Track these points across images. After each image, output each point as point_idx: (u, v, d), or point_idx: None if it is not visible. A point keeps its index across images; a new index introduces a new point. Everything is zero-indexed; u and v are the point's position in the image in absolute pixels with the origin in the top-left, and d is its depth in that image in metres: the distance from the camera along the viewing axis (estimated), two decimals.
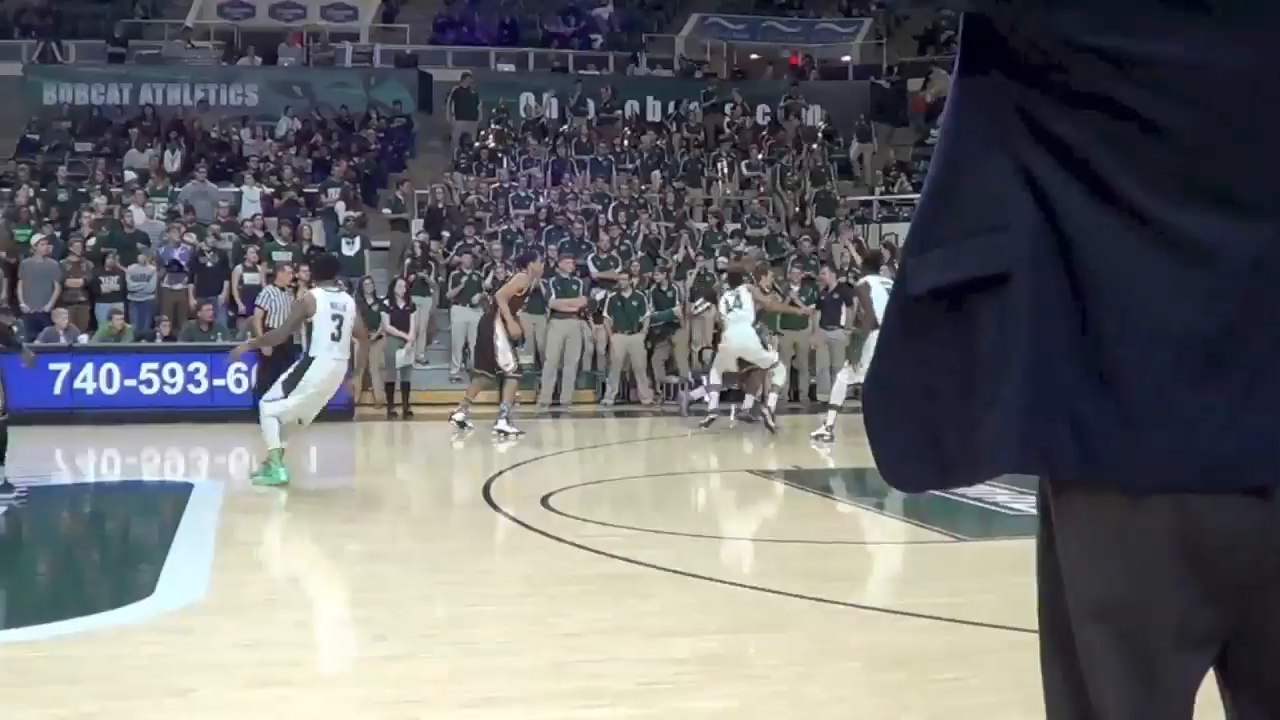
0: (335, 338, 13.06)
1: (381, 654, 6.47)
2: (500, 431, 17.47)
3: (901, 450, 2.07)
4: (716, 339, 23.38)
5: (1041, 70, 1.92)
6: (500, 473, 14.04)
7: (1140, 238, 1.87)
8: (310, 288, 14.09)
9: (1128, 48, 1.85)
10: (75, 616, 7.52)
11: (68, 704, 5.61)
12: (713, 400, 19.46)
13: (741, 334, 18.40)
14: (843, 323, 23.08)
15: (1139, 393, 1.85)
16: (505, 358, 17.75)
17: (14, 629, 7.24)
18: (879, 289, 15.97)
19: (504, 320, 17.92)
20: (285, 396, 13.02)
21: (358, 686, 5.92)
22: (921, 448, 2.03)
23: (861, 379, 16.17)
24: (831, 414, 17.16)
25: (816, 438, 17.17)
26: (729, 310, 18.44)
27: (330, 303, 13.12)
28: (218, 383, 20.24)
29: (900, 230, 27.13)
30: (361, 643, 6.62)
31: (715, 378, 19.21)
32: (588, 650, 6.49)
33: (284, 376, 13.19)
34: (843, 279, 24.19)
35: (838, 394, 17.21)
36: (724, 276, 20.66)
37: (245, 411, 17.26)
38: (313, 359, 13.02)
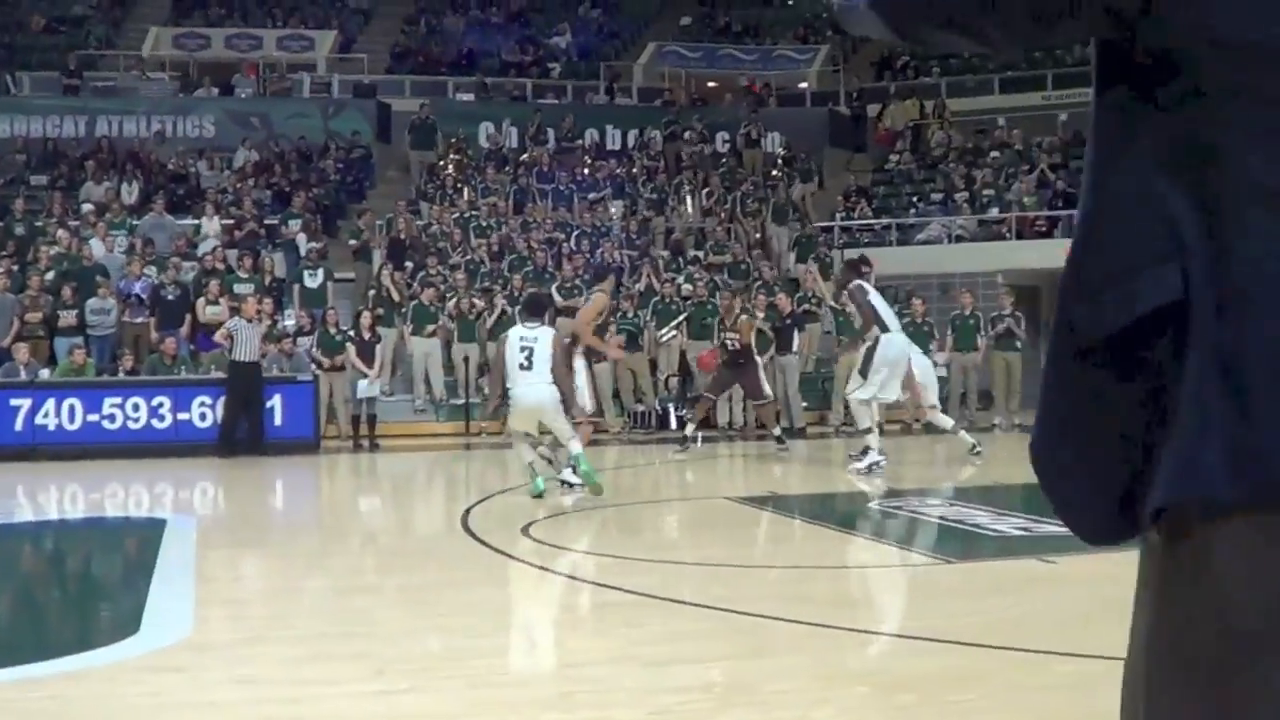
0: (525, 368, 13.69)
1: (381, 689, 6.34)
2: (566, 483, 14.58)
3: (1096, 503, 1.95)
4: (684, 367, 23.43)
5: (1180, 79, 1.84)
6: (476, 503, 13.92)
7: None
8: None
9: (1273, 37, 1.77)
10: (62, 656, 7.37)
11: None
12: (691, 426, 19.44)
13: None
14: (795, 349, 23.12)
15: None
16: (583, 398, 15.00)
17: (2, 669, 7.08)
18: (874, 292, 15.96)
19: (590, 351, 15.99)
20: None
21: None
22: (1115, 499, 1.92)
23: (875, 392, 16.13)
24: (871, 438, 16.46)
25: (871, 467, 16.27)
26: None
27: (520, 336, 13.90)
28: (182, 416, 20.05)
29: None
30: (359, 678, 6.48)
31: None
32: (591, 680, 6.39)
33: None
34: (806, 305, 24.24)
35: (863, 416, 16.43)
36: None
37: (209, 445, 17.15)
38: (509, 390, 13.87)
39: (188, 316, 22.69)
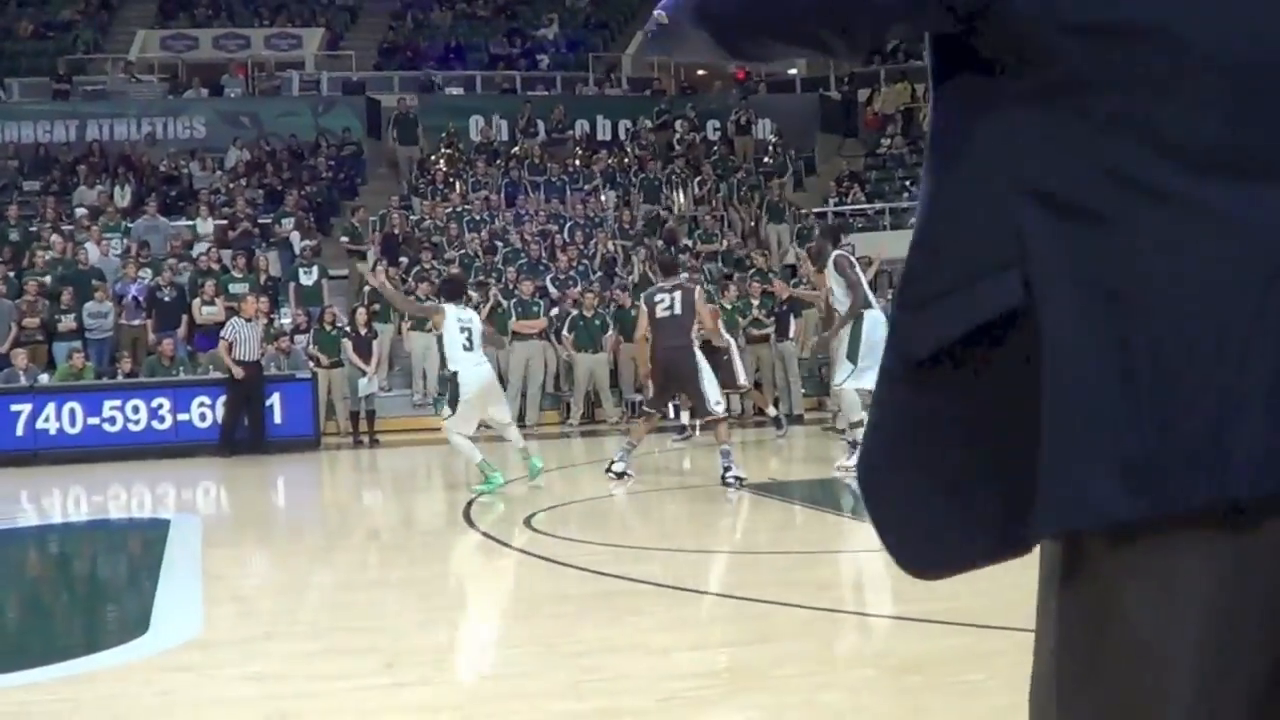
0: (467, 349, 14.16)
1: (392, 682, 6.37)
2: (737, 479, 14.12)
3: (929, 529, 1.86)
4: None
5: (1028, 70, 1.75)
6: (476, 496, 13.95)
7: (1181, 225, 1.67)
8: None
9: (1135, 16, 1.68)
10: (72, 658, 7.40)
11: None
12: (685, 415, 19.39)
13: None
14: (791, 335, 23.10)
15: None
16: (716, 394, 14.80)
17: (13, 673, 7.10)
18: (857, 264, 15.39)
19: (716, 343, 16.41)
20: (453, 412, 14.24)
21: (373, 716, 5.82)
22: (954, 525, 1.83)
23: (864, 382, 15.09)
24: (859, 432, 15.12)
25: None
26: None
27: (458, 317, 14.32)
28: (182, 418, 20.08)
29: (855, 240, 27.20)
30: (370, 672, 6.51)
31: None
32: (599, 669, 6.42)
33: (447, 396, 14.49)
34: (801, 283, 24.23)
35: (853, 407, 15.07)
36: None
37: (210, 445, 17.19)
38: (456, 373, 14.19)
39: (184, 317, 22.70)
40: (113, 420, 19.96)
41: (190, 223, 27.35)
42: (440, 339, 14.70)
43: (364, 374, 21.48)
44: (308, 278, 24.33)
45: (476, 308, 22.66)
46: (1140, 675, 1.72)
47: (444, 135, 32.12)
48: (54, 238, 25.45)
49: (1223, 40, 1.67)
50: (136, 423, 20.01)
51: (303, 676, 6.56)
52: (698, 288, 15.33)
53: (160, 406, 20.10)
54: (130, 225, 26.97)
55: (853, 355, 14.89)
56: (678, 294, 14.49)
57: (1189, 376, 1.65)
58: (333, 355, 21.53)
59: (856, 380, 14.70)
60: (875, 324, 14.64)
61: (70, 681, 6.71)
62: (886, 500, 1.89)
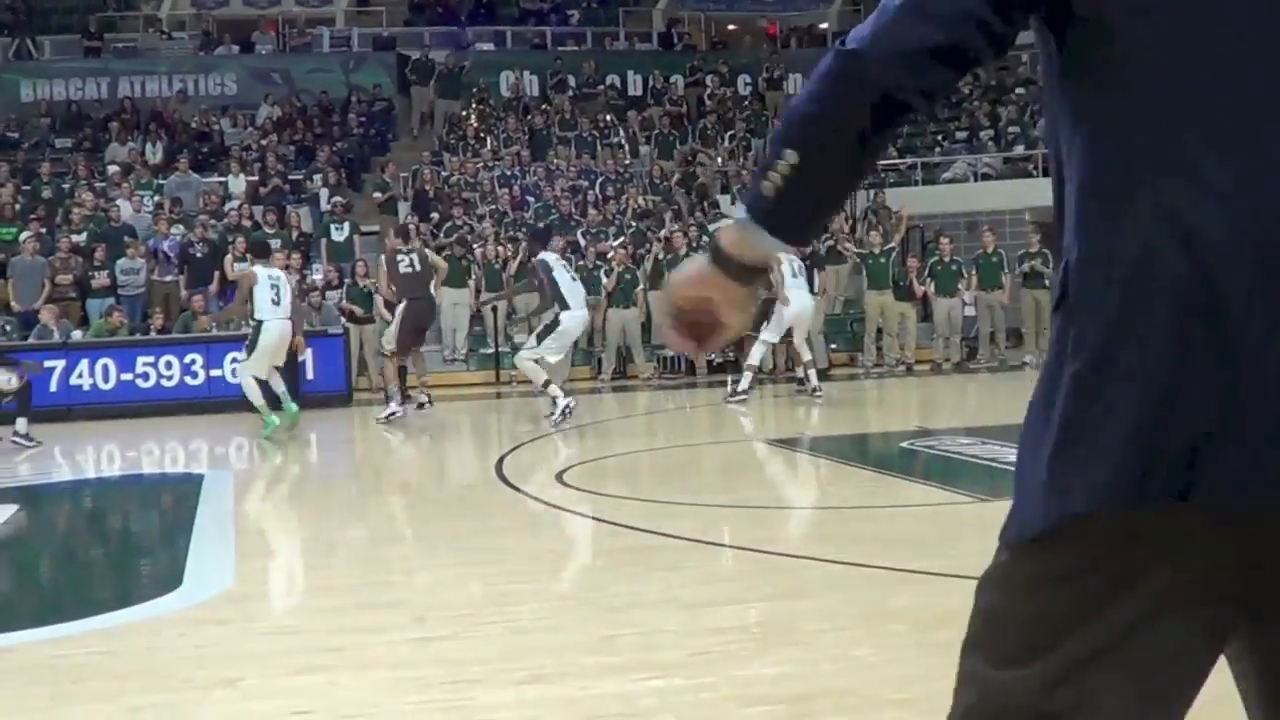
0: (275, 303, 16.08)
1: (423, 635, 6.39)
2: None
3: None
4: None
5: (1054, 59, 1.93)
6: (509, 451, 13.97)
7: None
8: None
9: None
10: (108, 611, 7.45)
11: (115, 699, 5.54)
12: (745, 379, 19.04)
13: (804, 302, 18.47)
14: (815, 290, 23.07)
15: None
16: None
17: (49, 626, 7.15)
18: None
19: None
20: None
21: (406, 669, 5.84)
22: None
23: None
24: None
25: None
26: (794, 276, 18.29)
27: (268, 275, 16.27)
28: (214, 373, 20.08)
29: (887, 195, 27.15)
30: (401, 625, 6.54)
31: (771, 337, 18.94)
32: (632, 623, 6.43)
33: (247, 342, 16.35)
34: (831, 243, 24.17)
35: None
36: None
37: (243, 401, 17.21)
38: (262, 323, 16.01)
39: (216, 273, 22.74)
40: (146, 376, 20.01)
41: (222, 179, 27.41)
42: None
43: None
44: (339, 234, 24.35)
45: (505, 265, 22.73)
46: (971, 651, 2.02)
47: (475, 90, 32.07)
48: (86, 195, 25.53)
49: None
50: (170, 378, 20.05)
51: (334, 630, 6.58)
52: None
53: (193, 362, 20.12)
54: (162, 182, 27.03)
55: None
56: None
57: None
58: (365, 310, 21.56)
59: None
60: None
61: (106, 634, 6.76)
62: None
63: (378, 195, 27.21)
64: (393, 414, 17.24)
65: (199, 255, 22.99)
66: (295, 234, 24.34)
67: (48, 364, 19.55)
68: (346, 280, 22.35)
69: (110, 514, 12.64)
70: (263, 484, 13.68)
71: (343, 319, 21.38)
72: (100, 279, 22.49)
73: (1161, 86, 1.81)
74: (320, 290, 22.01)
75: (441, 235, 24.30)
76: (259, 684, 5.73)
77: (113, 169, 27.62)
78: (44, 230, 23.96)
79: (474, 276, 23.20)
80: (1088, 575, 1.88)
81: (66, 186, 26.68)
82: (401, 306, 17.65)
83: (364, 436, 17.88)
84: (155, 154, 28.93)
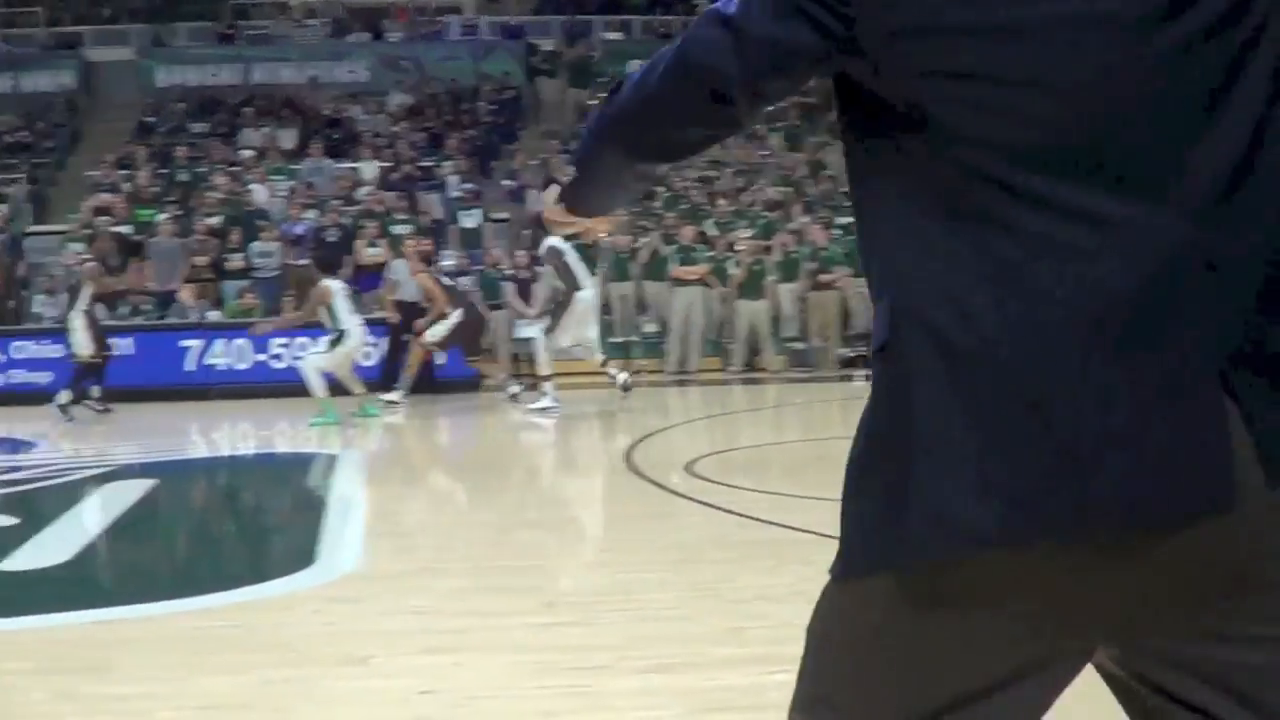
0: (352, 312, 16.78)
1: (550, 621, 6.41)
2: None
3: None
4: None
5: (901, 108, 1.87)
6: (638, 441, 13.99)
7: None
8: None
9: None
10: (242, 586, 7.56)
11: (247, 672, 5.62)
12: None
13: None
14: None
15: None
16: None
17: (187, 598, 7.28)
18: None
19: None
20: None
21: (532, 653, 5.85)
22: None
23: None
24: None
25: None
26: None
27: (340, 286, 17.05)
28: None
29: None
30: (528, 610, 6.56)
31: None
32: (760, 616, 6.39)
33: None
34: None
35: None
36: None
37: (373, 383, 17.41)
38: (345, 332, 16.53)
39: (347, 258, 22.94)
40: (279, 357, 20.23)
41: (354, 165, 27.63)
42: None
43: (524, 317, 21.54)
44: (469, 221, 24.50)
45: (634, 255, 22.78)
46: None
47: (603, 80, 32.09)
48: (221, 179, 25.90)
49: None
50: (302, 359, 20.25)
51: (462, 612, 6.62)
52: None
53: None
54: (295, 167, 27.34)
55: None
56: None
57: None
58: (494, 298, 21.64)
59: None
60: None
61: (240, 609, 6.87)
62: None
63: (507, 183, 27.32)
64: (514, 393, 17.68)
65: (331, 239, 23.21)
66: (426, 220, 24.50)
67: (184, 343, 19.91)
68: (477, 267, 22.45)
69: (245, 491, 12.84)
70: (394, 465, 13.81)
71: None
72: (235, 261, 22.81)
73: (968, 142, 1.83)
74: (452, 277, 22.11)
75: None
76: (386, 662, 5.78)
77: (246, 153, 27.94)
78: (180, 213, 24.35)
79: (601, 267, 23.21)
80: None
81: (202, 170, 27.06)
82: (458, 314, 18.21)
83: (493, 422, 17.98)
84: (288, 139, 29.25)
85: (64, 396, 18.17)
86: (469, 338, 18.52)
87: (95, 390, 18.44)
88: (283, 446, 15.33)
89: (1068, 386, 1.76)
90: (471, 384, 20.17)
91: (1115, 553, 1.79)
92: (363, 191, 25.83)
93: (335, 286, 16.93)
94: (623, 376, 17.41)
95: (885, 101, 1.88)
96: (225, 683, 5.48)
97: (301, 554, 8.39)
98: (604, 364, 17.74)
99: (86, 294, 18.41)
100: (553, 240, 16.90)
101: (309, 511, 10.35)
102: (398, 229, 23.20)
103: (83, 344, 18.19)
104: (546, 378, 17.32)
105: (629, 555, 8.07)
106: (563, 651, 5.86)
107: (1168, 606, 1.82)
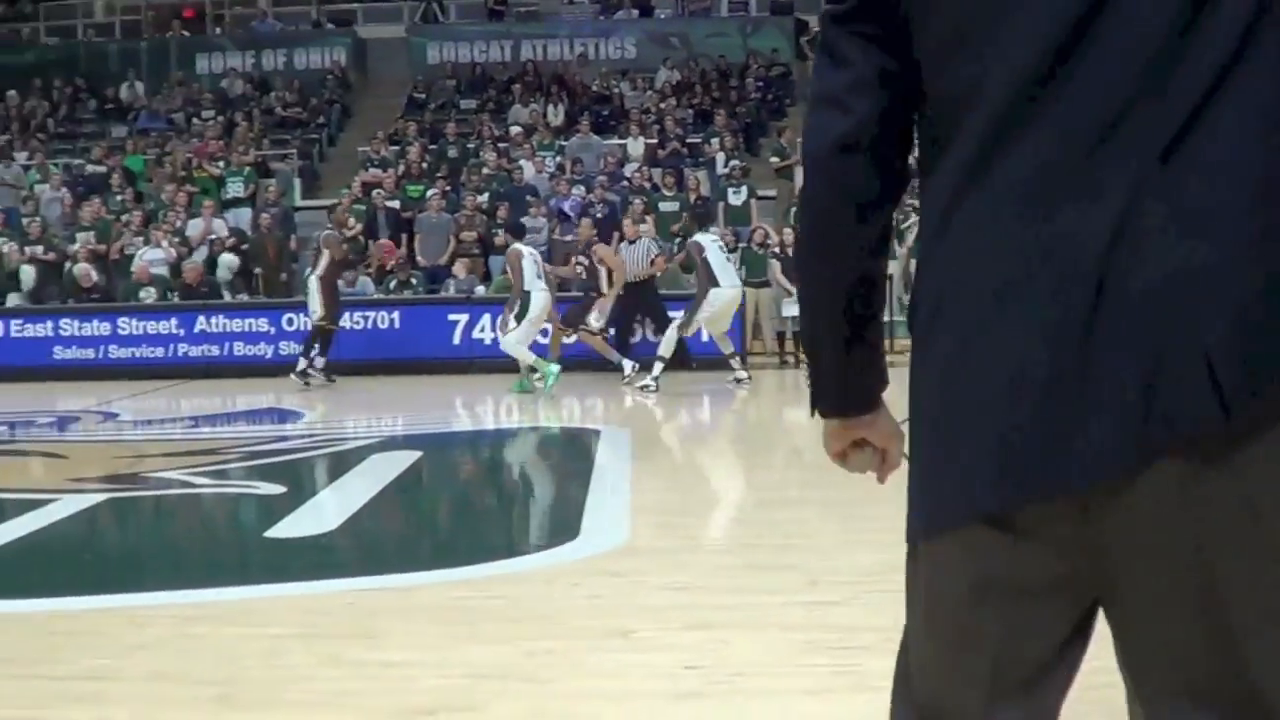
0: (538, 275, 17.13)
1: (814, 599, 6.34)
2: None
3: None
4: None
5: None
6: (903, 420, 13.78)
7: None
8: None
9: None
10: (507, 558, 7.64)
11: (511, 642, 5.66)
12: None
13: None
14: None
15: None
16: None
17: (451, 569, 7.39)
18: None
19: None
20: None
21: (797, 631, 5.80)
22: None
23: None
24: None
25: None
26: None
27: (528, 250, 17.49)
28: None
29: None
30: (792, 588, 6.50)
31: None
32: None
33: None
34: None
35: None
36: None
37: (645, 359, 17.49)
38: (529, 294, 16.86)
39: (615, 234, 23.06)
40: (545, 332, 20.39)
41: (621, 142, 27.80)
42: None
43: (790, 295, 21.42)
44: (736, 198, 24.46)
45: (902, 234, 22.49)
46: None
47: None
48: (490, 155, 26.30)
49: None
50: (501, 340, 20.35)
51: (725, 589, 6.59)
52: None
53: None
54: (563, 143, 27.61)
55: None
56: None
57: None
58: (760, 275, 21.58)
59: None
60: None
61: (504, 580, 6.94)
62: None
63: (775, 160, 27.21)
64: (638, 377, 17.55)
65: (599, 215, 23.36)
66: (693, 197, 24.52)
67: (451, 317, 20.26)
68: (742, 244, 22.39)
69: (508, 464, 12.99)
70: (658, 441, 13.85)
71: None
72: (503, 237, 23.06)
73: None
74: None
75: None
76: (651, 637, 5.78)
77: (515, 130, 28.31)
78: (449, 188, 24.76)
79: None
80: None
81: (471, 146, 27.49)
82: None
83: (756, 400, 17.92)
84: (556, 116, 29.55)
85: (301, 364, 18.85)
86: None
87: (319, 360, 18.92)
88: (545, 421, 15.48)
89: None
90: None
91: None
92: (630, 168, 25.99)
93: (525, 251, 17.26)
94: (740, 375, 17.82)
95: None
96: (488, 652, 5.54)
97: (565, 528, 8.46)
98: (730, 356, 17.99)
99: (324, 261, 18.93)
100: (700, 236, 17.87)
101: (572, 486, 10.43)
102: (665, 205, 23.31)
103: (315, 308, 18.80)
104: (736, 354, 17.97)
105: (893, 535, 7.85)
106: (828, 630, 5.81)
107: None
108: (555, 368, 16.96)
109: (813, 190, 2.14)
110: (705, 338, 18.55)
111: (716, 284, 17.29)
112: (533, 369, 17.04)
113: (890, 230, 2.17)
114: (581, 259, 18.88)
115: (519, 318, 16.92)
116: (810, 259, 2.19)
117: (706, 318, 17.48)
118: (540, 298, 17.02)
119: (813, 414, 2.36)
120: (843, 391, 2.31)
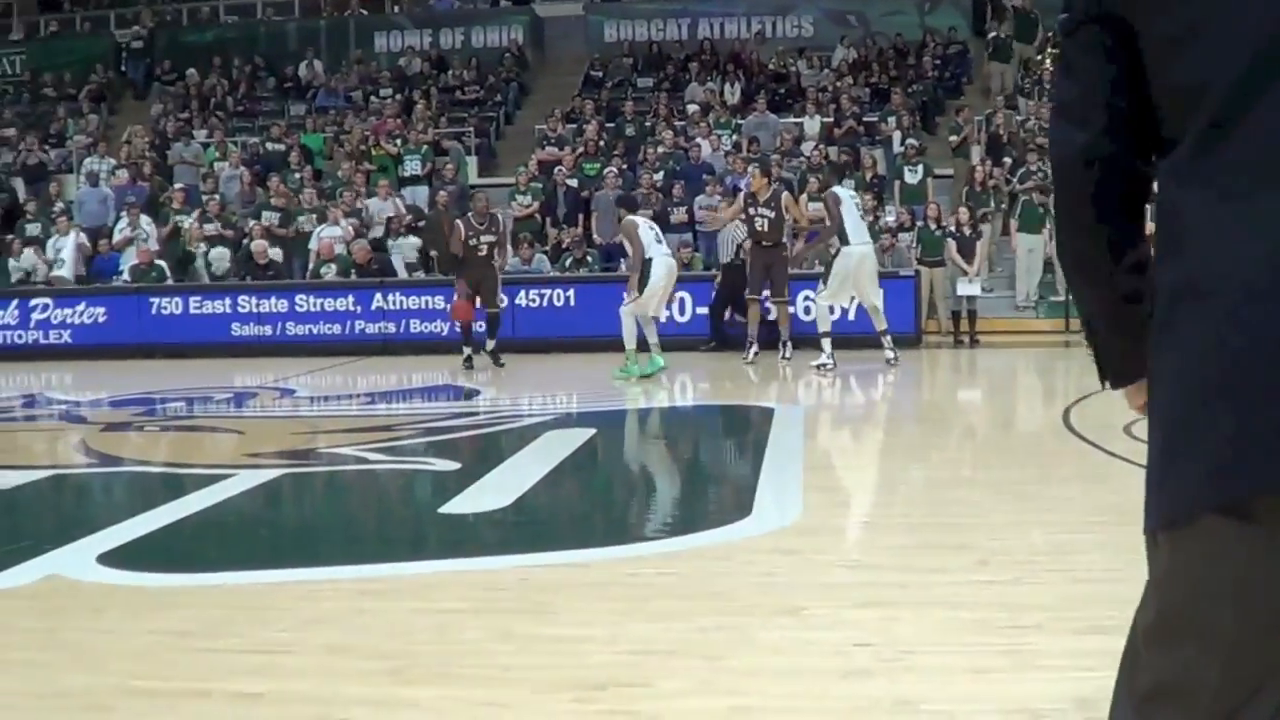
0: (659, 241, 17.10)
1: (985, 579, 6.37)
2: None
3: None
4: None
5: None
6: (1075, 402, 13.69)
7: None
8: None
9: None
10: (679, 535, 7.74)
11: (682, 618, 5.74)
12: None
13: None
14: None
15: None
16: None
17: (624, 545, 7.50)
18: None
19: None
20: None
21: (967, 610, 5.83)
22: None
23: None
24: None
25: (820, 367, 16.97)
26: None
27: (644, 222, 17.32)
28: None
29: None
30: (964, 567, 6.53)
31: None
32: None
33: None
34: None
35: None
36: None
37: (810, 338, 17.49)
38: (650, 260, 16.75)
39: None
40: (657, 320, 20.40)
41: (798, 120, 27.77)
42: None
43: (965, 274, 21.31)
44: (913, 176, 24.33)
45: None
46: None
47: (1051, 33, 31.35)
48: (666, 133, 26.41)
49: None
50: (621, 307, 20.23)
51: (897, 568, 6.63)
52: None
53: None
54: (740, 122, 27.64)
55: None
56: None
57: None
58: (935, 254, 21.49)
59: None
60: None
61: (675, 556, 7.02)
62: None
63: (952, 139, 27.01)
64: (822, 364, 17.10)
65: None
66: (869, 176, 24.45)
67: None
68: (918, 223, 22.29)
69: (682, 442, 13.07)
70: (832, 421, 13.90)
71: (914, 261, 21.39)
72: (679, 214, 23.21)
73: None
74: (893, 232, 22.03)
75: (1015, 181, 23.89)
76: (822, 614, 5.85)
77: (692, 108, 28.40)
78: (625, 167, 24.93)
79: (1047, 226, 22.73)
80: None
81: (647, 125, 27.63)
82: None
83: (931, 380, 17.88)
84: (733, 94, 29.58)
85: (490, 344, 18.98)
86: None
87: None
88: (718, 398, 15.56)
89: None
90: (911, 340, 19.99)
91: None
92: (806, 146, 25.96)
93: (639, 220, 17.20)
94: (890, 354, 17.39)
95: None
96: (659, 629, 5.63)
97: (738, 505, 8.54)
98: (884, 332, 17.48)
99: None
100: (838, 189, 17.65)
101: (746, 463, 10.52)
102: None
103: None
104: (826, 335, 17.32)
105: (1064, 515, 7.94)
106: (997, 609, 5.82)
107: None
108: (660, 360, 16.96)
109: (1064, 200, 2.30)
110: (852, 315, 18.40)
111: (847, 241, 16.99)
112: (640, 351, 17.00)
113: (1144, 224, 2.28)
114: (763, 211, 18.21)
115: (640, 287, 16.85)
116: (1071, 259, 2.34)
117: (840, 280, 17.13)
118: (662, 263, 16.92)
119: (1103, 386, 2.52)
120: (1122, 365, 2.43)
